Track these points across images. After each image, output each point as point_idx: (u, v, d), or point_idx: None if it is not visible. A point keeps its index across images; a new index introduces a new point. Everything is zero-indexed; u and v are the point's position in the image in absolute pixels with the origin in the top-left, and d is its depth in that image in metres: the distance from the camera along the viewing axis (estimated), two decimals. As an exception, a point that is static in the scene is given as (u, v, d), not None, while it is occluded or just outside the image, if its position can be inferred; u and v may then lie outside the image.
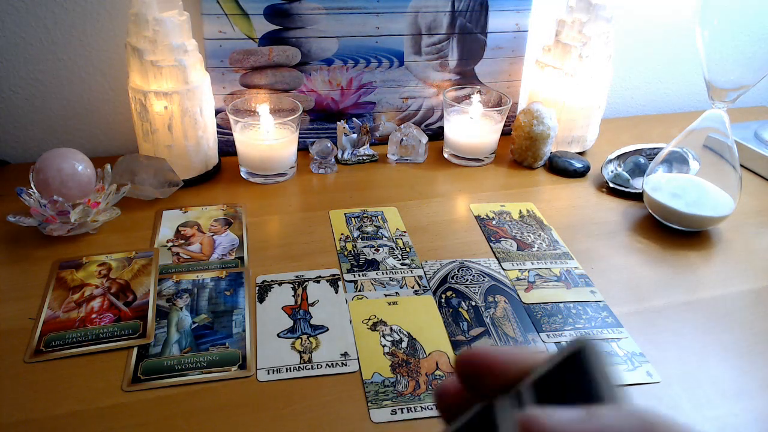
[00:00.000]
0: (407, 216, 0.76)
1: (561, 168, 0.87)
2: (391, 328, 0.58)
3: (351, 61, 0.87)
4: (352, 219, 0.74)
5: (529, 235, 0.73)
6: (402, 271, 0.66)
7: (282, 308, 0.60)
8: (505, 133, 0.93)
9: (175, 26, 0.72)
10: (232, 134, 0.82)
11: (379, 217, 0.75)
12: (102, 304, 0.59)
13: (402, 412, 0.49)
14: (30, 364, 0.52)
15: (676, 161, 0.79)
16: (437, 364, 0.54)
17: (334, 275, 0.65)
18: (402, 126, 0.88)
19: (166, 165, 0.74)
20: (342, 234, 0.71)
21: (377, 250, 0.69)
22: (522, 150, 0.88)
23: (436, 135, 0.95)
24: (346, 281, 0.64)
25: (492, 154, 0.90)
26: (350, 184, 0.83)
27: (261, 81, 0.85)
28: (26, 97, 0.82)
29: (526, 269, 0.67)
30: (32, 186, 0.67)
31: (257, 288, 0.62)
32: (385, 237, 0.71)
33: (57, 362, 0.52)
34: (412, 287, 0.64)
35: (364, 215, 0.75)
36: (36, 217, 0.66)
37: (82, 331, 0.55)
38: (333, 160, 0.86)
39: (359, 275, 0.65)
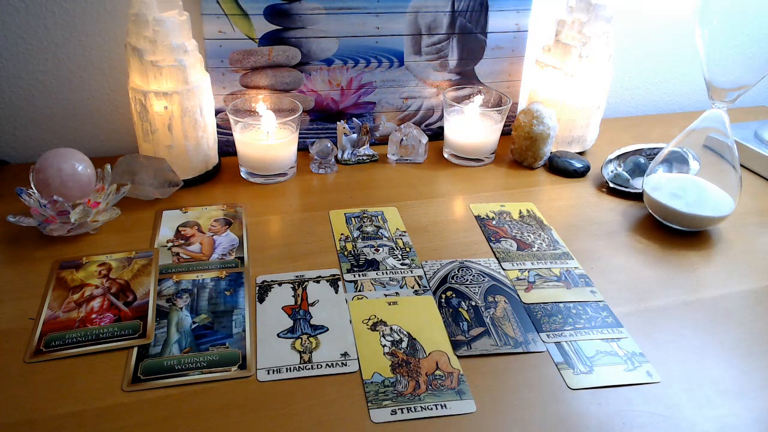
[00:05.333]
0: (407, 216, 0.76)
1: (561, 168, 0.87)
2: (391, 328, 0.58)
3: (351, 61, 0.87)
4: (352, 219, 0.74)
5: (529, 235, 0.73)
6: (402, 271, 0.66)
7: (282, 308, 0.60)
8: (505, 133, 0.93)
9: (175, 26, 0.72)
10: (232, 134, 0.82)
11: (379, 217, 0.75)
12: (102, 304, 0.59)
13: (402, 412, 0.49)
14: (30, 364, 0.52)
15: (676, 161, 0.79)
16: (437, 364, 0.54)
17: (334, 275, 0.65)
18: (402, 126, 0.88)
19: (166, 165, 0.74)
20: (342, 234, 0.72)
21: (377, 250, 0.69)
22: (522, 150, 0.88)
23: (436, 135, 0.95)
24: (346, 281, 0.64)
25: (492, 154, 0.90)
26: (350, 184, 0.83)
27: (261, 81, 0.85)
28: (26, 97, 0.82)
29: (526, 269, 0.67)
30: (32, 186, 0.67)
31: (257, 288, 0.62)
32: (385, 237, 0.71)
33: (57, 362, 0.52)
34: (412, 287, 0.64)
35: (364, 215, 0.75)
36: (36, 217, 0.66)
37: (82, 331, 0.55)
38: (333, 160, 0.86)
39: (359, 275, 0.65)
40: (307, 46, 0.85)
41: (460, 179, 0.85)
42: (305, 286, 0.63)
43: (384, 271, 0.66)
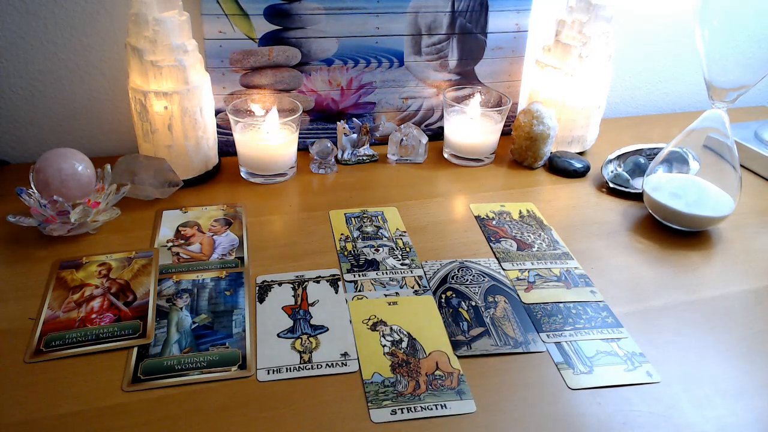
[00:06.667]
0: (407, 216, 0.76)
1: (561, 168, 0.87)
2: (391, 328, 0.58)
3: (351, 61, 0.87)
4: (352, 219, 0.74)
5: (529, 235, 0.73)
6: (402, 271, 0.66)
7: (282, 308, 0.60)
8: (505, 133, 0.93)
9: (175, 26, 0.72)
10: (232, 134, 0.82)
11: (379, 217, 0.75)
12: (102, 304, 0.59)
13: (402, 412, 0.49)
14: (30, 364, 0.52)
15: (676, 161, 0.79)
16: (437, 364, 0.54)
17: (334, 275, 0.65)
18: (402, 126, 0.88)
19: (166, 165, 0.74)
20: (342, 234, 0.72)
21: (377, 250, 0.69)
22: (522, 150, 0.88)
23: (436, 135, 0.95)
24: (346, 281, 0.64)
25: (492, 154, 0.90)
26: (350, 184, 0.83)
27: (261, 81, 0.85)
28: (26, 97, 0.82)
29: (526, 269, 0.67)
30: (32, 186, 0.67)
31: (257, 288, 0.62)
32: (385, 237, 0.71)
33: (57, 362, 0.52)
34: (412, 287, 0.64)
35: (364, 215, 0.75)
36: (36, 217, 0.66)
37: (82, 331, 0.55)
38: (333, 160, 0.86)
39: (359, 275, 0.65)
40: (307, 46, 0.85)
41: (460, 179, 0.85)
42: (305, 286, 0.63)
43: (384, 271, 0.66)
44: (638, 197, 0.82)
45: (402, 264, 0.67)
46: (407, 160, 0.89)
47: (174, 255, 0.67)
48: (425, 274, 0.65)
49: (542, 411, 0.50)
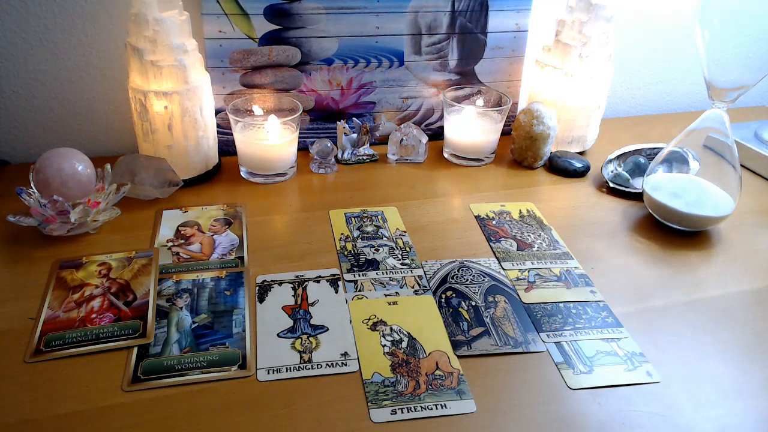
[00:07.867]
0: (407, 216, 0.76)
1: (561, 168, 0.87)
2: (391, 328, 0.58)
3: (351, 61, 0.87)
4: (352, 219, 0.74)
5: (529, 235, 0.73)
6: (402, 271, 0.66)
7: (282, 308, 0.60)
8: (505, 133, 0.93)
9: (175, 26, 0.72)
10: (232, 134, 0.82)
11: (379, 217, 0.75)
12: (102, 304, 0.59)
13: (402, 412, 0.49)
14: (30, 364, 0.52)
15: (676, 161, 0.79)
16: (437, 364, 0.54)
17: (334, 275, 0.65)
18: (402, 126, 0.88)
19: (166, 165, 0.74)
20: (342, 234, 0.72)
21: (377, 250, 0.69)
22: (522, 150, 0.88)
23: (436, 135, 0.95)
24: (346, 281, 0.64)
25: (492, 154, 0.90)
26: (350, 184, 0.83)
27: (261, 81, 0.85)
28: (26, 97, 0.82)
29: (526, 269, 0.67)
30: (32, 186, 0.67)
31: (257, 288, 0.62)
32: (385, 237, 0.71)
33: (57, 362, 0.52)
34: (412, 287, 0.64)
35: (364, 215, 0.75)
36: (36, 217, 0.66)
37: (82, 331, 0.55)
38: (333, 160, 0.86)
39: (359, 275, 0.65)
40: (307, 45, 0.85)
41: (460, 179, 0.85)
42: (305, 286, 0.63)
43: (384, 271, 0.66)
44: (638, 197, 0.82)
45: (402, 264, 0.67)
46: (407, 160, 0.89)
47: (174, 255, 0.67)
48: (425, 274, 0.65)
49: (542, 411, 0.50)
